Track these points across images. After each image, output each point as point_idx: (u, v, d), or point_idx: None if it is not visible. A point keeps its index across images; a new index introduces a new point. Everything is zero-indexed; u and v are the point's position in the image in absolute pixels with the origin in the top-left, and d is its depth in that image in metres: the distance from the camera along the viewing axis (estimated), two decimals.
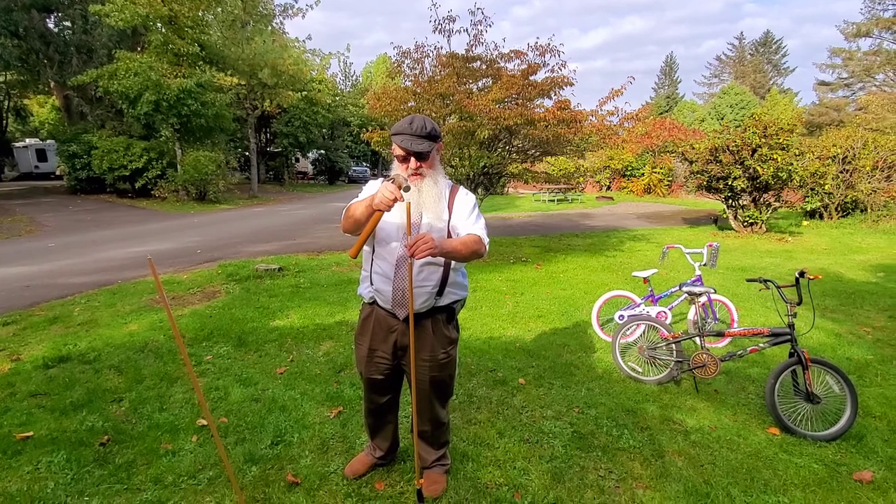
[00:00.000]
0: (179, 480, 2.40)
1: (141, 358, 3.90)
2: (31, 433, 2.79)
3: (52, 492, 2.31)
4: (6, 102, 30.88)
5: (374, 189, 2.12)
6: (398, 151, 1.98)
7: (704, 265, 4.34)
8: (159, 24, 16.51)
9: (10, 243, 9.82)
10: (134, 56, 16.19)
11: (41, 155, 28.96)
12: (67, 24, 19.66)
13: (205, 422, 2.90)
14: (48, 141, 26.82)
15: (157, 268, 1.64)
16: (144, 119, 16.71)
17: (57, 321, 4.85)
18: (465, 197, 2.12)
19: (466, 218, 2.06)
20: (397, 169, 2.01)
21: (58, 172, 25.29)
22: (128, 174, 17.23)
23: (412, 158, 1.95)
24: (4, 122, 31.07)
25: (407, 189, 1.80)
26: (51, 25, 19.47)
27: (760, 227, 11.89)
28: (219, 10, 18.02)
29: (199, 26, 16.99)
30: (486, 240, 2.05)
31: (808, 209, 14.19)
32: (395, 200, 1.76)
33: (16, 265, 7.50)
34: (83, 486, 2.36)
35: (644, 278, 4.40)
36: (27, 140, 30.90)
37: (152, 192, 17.78)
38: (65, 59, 18.84)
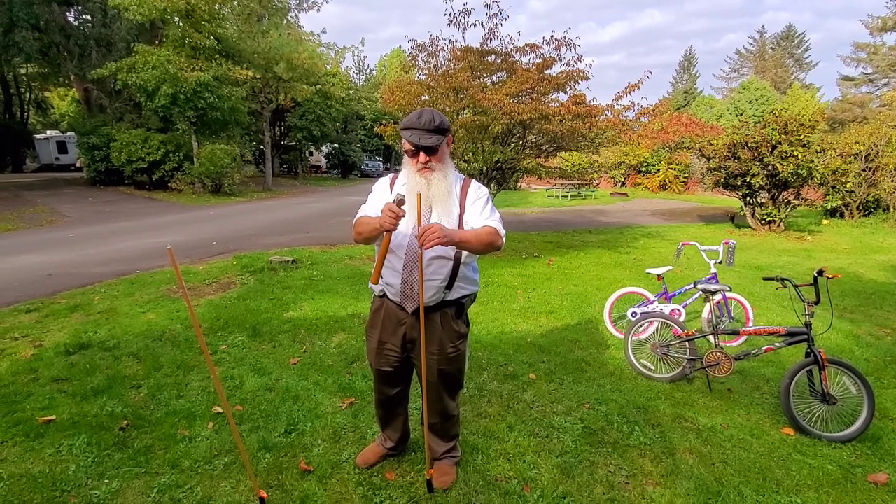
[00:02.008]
0: (196, 465, 2.46)
1: (159, 346, 3.99)
2: (53, 417, 2.87)
3: (73, 474, 2.38)
4: (28, 95, 31.54)
5: (381, 192, 2.15)
6: (407, 146, 1.99)
7: (720, 263, 4.29)
8: (177, 18, 16.68)
9: (33, 233, 10.05)
10: (152, 49, 16.39)
11: (62, 147, 29.51)
12: (87, 17, 19.96)
13: (220, 409, 2.95)
14: (68, 133, 27.31)
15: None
16: (162, 112, 16.94)
17: (78, 309, 4.97)
18: (478, 190, 2.12)
19: (480, 212, 2.06)
20: (407, 163, 2.04)
21: (78, 164, 25.74)
22: (145, 166, 17.51)
23: (421, 153, 1.97)
24: (26, 114, 31.73)
25: (402, 203, 1.82)
26: (71, 19, 19.77)
27: (779, 226, 11.69)
28: (235, 3, 18.15)
29: (215, 20, 17.14)
30: (503, 232, 2.04)
31: (829, 207, 13.90)
32: (399, 217, 1.81)
33: (38, 254, 7.68)
34: (103, 469, 2.42)
35: (658, 275, 4.36)
36: (48, 132, 31.50)
37: (169, 185, 18.05)
38: (84, 53, 19.14)
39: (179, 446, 2.60)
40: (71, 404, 3.03)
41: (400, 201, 1.82)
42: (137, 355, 3.80)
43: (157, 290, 5.63)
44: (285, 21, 21.73)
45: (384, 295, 2.20)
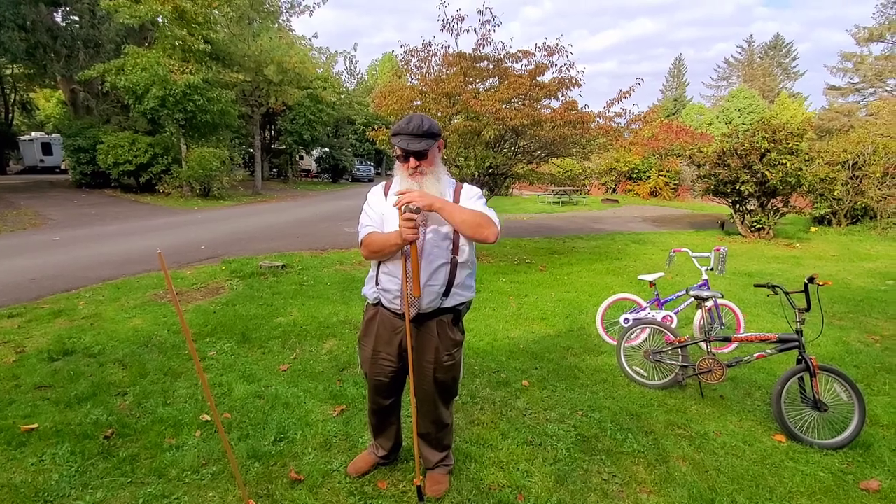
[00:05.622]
0: (183, 475, 2.40)
1: (145, 352, 3.91)
2: (35, 425, 2.79)
3: (56, 483, 2.31)
4: (13, 96, 31.02)
5: (376, 202, 2.11)
6: (398, 151, 1.98)
7: (711, 270, 4.31)
8: (168, 21, 16.53)
9: (16, 236, 9.86)
10: (141, 51, 16.21)
11: (46, 149, 29.01)
12: (75, 18, 19.70)
13: (208, 417, 2.90)
14: (54, 135, 26.90)
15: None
16: (150, 114, 16.72)
17: (62, 314, 4.86)
18: (471, 190, 2.11)
19: (473, 203, 2.02)
20: (399, 169, 2.01)
21: (63, 166, 25.31)
22: (132, 169, 17.25)
23: (411, 158, 1.95)
24: (10, 115, 31.19)
25: (418, 211, 1.85)
26: (58, 19, 19.51)
27: (768, 233, 11.83)
28: (226, 7, 18.03)
29: (207, 22, 17.01)
30: (498, 224, 1.96)
31: (817, 215, 14.09)
32: (417, 224, 1.85)
33: (21, 258, 7.53)
34: (87, 479, 2.36)
35: (650, 282, 4.37)
36: (33, 134, 30.97)
37: (157, 188, 17.81)
38: (72, 54, 18.88)
39: (166, 455, 2.54)
40: (54, 412, 2.95)
41: (414, 210, 1.84)
42: (123, 362, 3.72)
43: (144, 296, 5.54)
44: (276, 25, 21.65)
45: (379, 303, 2.16)
